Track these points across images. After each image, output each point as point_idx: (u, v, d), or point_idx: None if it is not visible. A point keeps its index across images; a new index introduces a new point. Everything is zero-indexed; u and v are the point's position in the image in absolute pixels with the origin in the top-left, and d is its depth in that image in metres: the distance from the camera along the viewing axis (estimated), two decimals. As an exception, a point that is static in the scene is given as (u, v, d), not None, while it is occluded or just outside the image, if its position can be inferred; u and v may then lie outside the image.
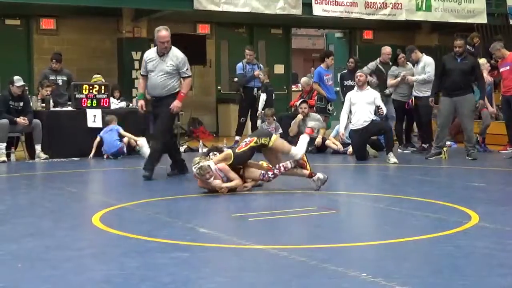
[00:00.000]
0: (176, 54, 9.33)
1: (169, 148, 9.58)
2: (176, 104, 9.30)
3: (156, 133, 9.63)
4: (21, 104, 11.97)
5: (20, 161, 11.89)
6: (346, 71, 14.38)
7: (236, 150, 8.10)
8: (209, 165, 7.78)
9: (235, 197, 7.83)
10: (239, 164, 8.06)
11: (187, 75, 9.42)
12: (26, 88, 12.32)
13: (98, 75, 14.35)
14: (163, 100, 9.33)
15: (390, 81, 13.28)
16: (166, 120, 9.37)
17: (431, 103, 12.14)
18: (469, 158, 11.58)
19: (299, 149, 8.25)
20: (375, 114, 11.66)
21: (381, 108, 11.52)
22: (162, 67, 9.26)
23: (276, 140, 8.17)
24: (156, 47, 9.37)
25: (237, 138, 14.30)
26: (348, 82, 13.81)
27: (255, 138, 8.10)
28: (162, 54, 9.27)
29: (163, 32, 9.22)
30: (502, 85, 12.52)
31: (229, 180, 7.96)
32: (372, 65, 13.81)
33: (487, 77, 13.00)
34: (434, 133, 12.46)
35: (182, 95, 9.39)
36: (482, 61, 13.34)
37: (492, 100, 13.95)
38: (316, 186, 8.15)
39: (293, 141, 13.35)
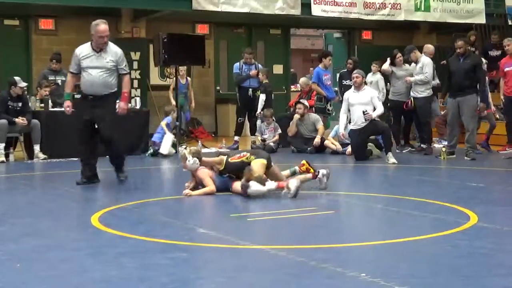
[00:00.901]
0: (115, 50, 8.83)
1: (91, 152, 9.00)
2: (123, 106, 8.94)
3: (106, 139, 8.85)
4: (20, 104, 11.97)
5: (19, 162, 11.88)
6: (345, 71, 14.41)
7: (230, 160, 8.10)
8: (185, 154, 8.01)
9: (234, 197, 7.82)
10: (229, 172, 8.05)
11: (125, 72, 8.91)
12: (25, 88, 12.31)
13: None
14: (103, 100, 8.74)
15: (385, 66, 13.29)
16: (113, 124, 8.85)
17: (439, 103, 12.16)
18: (468, 159, 11.59)
19: (256, 185, 7.69)
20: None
21: (368, 113, 11.49)
22: (101, 63, 8.67)
23: (255, 161, 7.93)
24: (90, 43, 8.77)
25: (236, 138, 14.32)
26: (347, 82, 13.86)
27: (248, 155, 8.09)
28: (100, 49, 8.71)
29: (102, 26, 8.66)
30: (506, 85, 12.51)
31: (202, 185, 8.05)
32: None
33: None
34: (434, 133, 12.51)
35: (126, 95, 8.99)
36: None
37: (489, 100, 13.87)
38: (323, 184, 8.17)
39: (292, 141, 13.42)
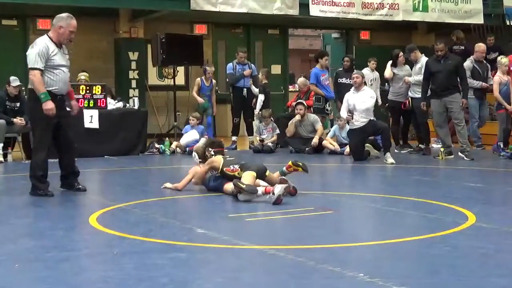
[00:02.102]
0: (64, 46, 8.27)
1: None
2: (78, 105, 8.70)
3: (70, 142, 8.49)
4: (18, 104, 11.97)
5: (17, 162, 11.86)
6: (341, 69, 14.44)
7: (225, 169, 8.06)
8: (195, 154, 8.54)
9: (232, 198, 7.82)
10: (223, 178, 8.11)
11: None
12: (23, 88, 12.29)
13: (84, 73, 14.28)
14: (64, 100, 8.29)
15: (387, 71, 13.30)
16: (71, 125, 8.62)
17: (423, 107, 12.14)
18: (466, 159, 11.60)
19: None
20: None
21: (350, 115, 11.51)
22: (65, 60, 8.18)
23: (244, 174, 7.82)
24: (48, 37, 8.15)
25: (233, 138, 14.35)
26: (343, 80, 13.92)
27: (239, 170, 7.96)
28: (60, 46, 8.15)
29: (75, 21, 8.27)
30: None
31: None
32: (468, 65, 13.29)
33: (503, 77, 12.77)
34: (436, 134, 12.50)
35: (74, 93, 8.61)
36: (505, 60, 12.92)
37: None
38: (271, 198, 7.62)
39: (290, 141, 13.43)
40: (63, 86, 8.11)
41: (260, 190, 7.61)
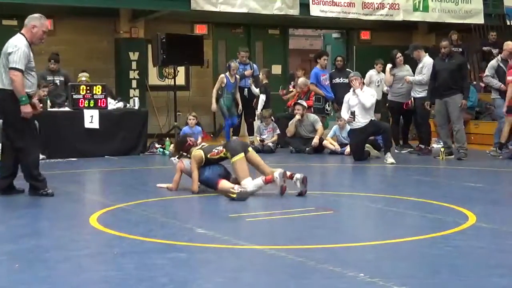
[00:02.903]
0: None
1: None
2: (39, 105, 8.29)
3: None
4: None
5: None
6: (334, 70, 14.46)
7: (209, 156, 8.20)
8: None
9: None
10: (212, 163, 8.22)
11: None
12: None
13: (84, 73, 14.27)
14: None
15: (387, 78, 13.31)
16: None
17: (426, 106, 12.13)
18: (461, 159, 11.61)
19: (250, 184, 7.89)
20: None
21: (351, 116, 11.50)
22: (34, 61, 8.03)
23: (235, 162, 7.99)
24: (24, 37, 7.95)
25: (234, 138, 14.32)
26: (337, 80, 13.98)
27: (224, 150, 8.16)
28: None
29: (47, 22, 8.19)
30: None
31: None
32: (493, 64, 13.15)
33: None
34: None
35: None
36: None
37: None
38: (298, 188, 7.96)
39: (291, 141, 13.42)
40: (35, 88, 8.07)
41: (260, 181, 7.81)
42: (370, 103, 11.46)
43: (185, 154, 8.46)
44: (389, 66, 13.26)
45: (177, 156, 8.60)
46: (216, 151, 8.22)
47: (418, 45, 13.19)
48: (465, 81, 12.02)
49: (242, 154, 8.05)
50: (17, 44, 7.80)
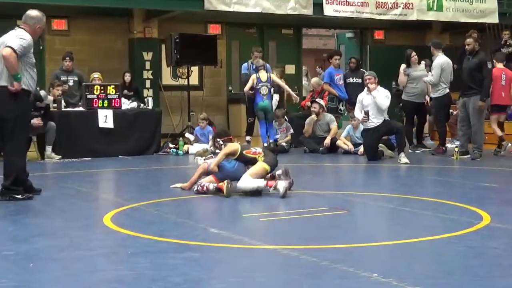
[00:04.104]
0: None
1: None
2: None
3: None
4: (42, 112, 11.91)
5: (32, 162, 11.89)
6: (348, 71, 14.44)
7: (244, 152, 8.23)
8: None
9: (246, 197, 7.83)
10: (240, 161, 8.20)
11: None
12: (38, 88, 12.24)
13: (97, 73, 14.32)
14: None
15: (401, 79, 13.23)
16: None
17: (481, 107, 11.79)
18: (475, 159, 11.56)
19: (247, 182, 7.93)
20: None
21: (365, 116, 11.47)
22: None
23: (263, 166, 8.03)
24: (26, 32, 7.70)
25: (247, 138, 14.31)
26: (350, 80, 13.99)
27: (262, 154, 8.19)
28: None
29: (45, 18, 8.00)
30: None
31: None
32: None
33: None
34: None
35: None
36: None
37: None
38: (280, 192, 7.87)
39: (304, 141, 13.40)
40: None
41: (263, 182, 7.83)
42: (386, 105, 11.42)
43: (221, 143, 8.41)
44: (403, 66, 13.21)
45: (212, 148, 8.57)
46: (255, 150, 8.26)
47: (436, 43, 13.06)
48: (485, 80, 11.71)
49: (268, 167, 8.07)
50: (25, 36, 7.59)
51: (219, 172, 8.13)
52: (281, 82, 13.95)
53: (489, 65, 11.84)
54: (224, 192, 7.74)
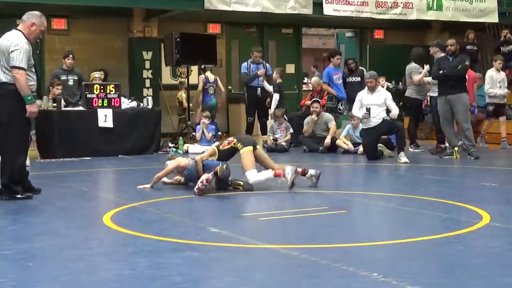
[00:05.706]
0: None
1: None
2: None
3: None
4: None
5: (32, 160, 11.89)
6: (346, 71, 14.45)
7: (220, 147, 8.50)
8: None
9: (246, 197, 7.83)
10: (223, 159, 8.33)
11: None
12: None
13: (98, 72, 14.30)
14: None
15: (415, 78, 13.09)
16: None
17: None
18: (471, 158, 11.56)
19: (254, 176, 8.15)
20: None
21: (367, 113, 11.46)
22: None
23: (244, 152, 8.27)
24: (23, 34, 7.68)
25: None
26: (349, 79, 14.00)
27: (235, 141, 8.46)
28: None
29: (45, 21, 8.02)
30: None
31: (199, 175, 8.16)
32: None
33: None
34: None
35: None
36: None
37: None
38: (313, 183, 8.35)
39: (304, 140, 13.40)
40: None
41: (271, 173, 8.08)
42: (397, 108, 11.46)
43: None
44: (426, 68, 12.98)
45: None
46: (227, 141, 8.50)
47: (437, 43, 13.05)
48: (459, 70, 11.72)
49: (251, 148, 8.31)
50: (19, 43, 7.53)
51: (207, 170, 8.16)
52: (222, 86, 15.13)
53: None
54: (218, 173, 7.77)
